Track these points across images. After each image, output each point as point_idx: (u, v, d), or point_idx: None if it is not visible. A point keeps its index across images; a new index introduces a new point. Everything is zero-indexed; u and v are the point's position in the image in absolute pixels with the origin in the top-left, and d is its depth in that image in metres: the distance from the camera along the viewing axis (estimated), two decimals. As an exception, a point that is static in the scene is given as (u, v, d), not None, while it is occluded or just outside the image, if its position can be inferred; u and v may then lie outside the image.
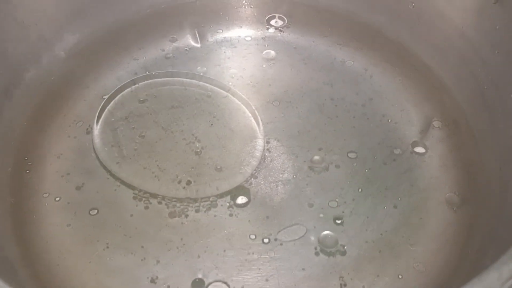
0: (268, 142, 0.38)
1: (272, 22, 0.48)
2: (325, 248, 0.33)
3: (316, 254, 0.32)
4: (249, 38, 0.46)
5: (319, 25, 0.46)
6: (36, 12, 0.40)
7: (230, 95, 0.41)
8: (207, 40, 0.46)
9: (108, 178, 0.36)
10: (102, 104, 0.40)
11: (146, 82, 0.42)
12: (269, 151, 0.38)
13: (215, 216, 0.34)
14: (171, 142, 0.38)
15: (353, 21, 0.47)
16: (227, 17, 0.48)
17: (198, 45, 0.46)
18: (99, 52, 0.44)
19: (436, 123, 0.40)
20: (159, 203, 0.35)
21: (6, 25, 0.38)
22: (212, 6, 0.48)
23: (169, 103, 0.41)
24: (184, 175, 0.36)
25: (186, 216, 0.34)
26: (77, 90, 0.41)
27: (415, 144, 0.38)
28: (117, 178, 0.36)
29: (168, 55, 0.45)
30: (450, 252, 0.33)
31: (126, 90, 0.42)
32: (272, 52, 0.45)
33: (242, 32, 0.47)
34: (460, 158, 0.38)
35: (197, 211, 0.34)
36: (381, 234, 0.33)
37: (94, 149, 0.38)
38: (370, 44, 0.45)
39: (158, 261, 0.32)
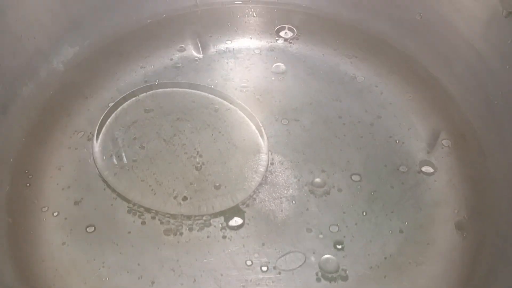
0: (271, 162, 0.37)
1: (282, 33, 0.46)
2: (327, 274, 0.32)
3: (318, 280, 0.31)
4: (258, 51, 0.45)
5: (328, 37, 0.45)
6: (33, 25, 0.39)
7: (237, 109, 0.40)
8: (210, 51, 0.45)
9: (104, 190, 0.36)
10: (105, 112, 0.40)
11: (154, 91, 0.42)
12: (272, 169, 0.37)
13: (208, 237, 0.33)
14: (172, 156, 0.37)
15: (362, 33, 0.45)
16: (231, 26, 0.47)
17: (201, 56, 0.45)
18: (98, 64, 0.43)
19: (445, 142, 0.38)
20: (153, 218, 0.34)
21: (1, 38, 0.37)
22: (215, 15, 0.47)
23: (175, 115, 0.40)
24: (181, 190, 0.35)
25: (181, 234, 0.33)
26: (76, 102, 0.41)
27: (422, 163, 0.37)
28: (113, 190, 0.35)
29: (172, 65, 0.44)
30: (457, 274, 0.32)
31: (132, 99, 0.41)
32: (282, 65, 0.44)
33: (251, 43, 0.46)
34: (469, 175, 0.36)
35: (190, 229, 0.33)
36: (385, 258, 0.32)
37: (93, 158, 0.37)
38: (380, 58, 0.44)
39: (153, 282, 0.31)
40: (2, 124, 0.36)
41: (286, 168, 0.36)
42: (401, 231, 0.33)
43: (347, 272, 0.32)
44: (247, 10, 0.48)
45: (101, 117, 0.39)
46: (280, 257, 0.32)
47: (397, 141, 0.38)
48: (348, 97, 0.41)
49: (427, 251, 0.33)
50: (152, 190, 0.35)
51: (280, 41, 0.46)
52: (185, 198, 0.35)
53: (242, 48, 0.45)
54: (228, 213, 0.34)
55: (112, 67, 0.43)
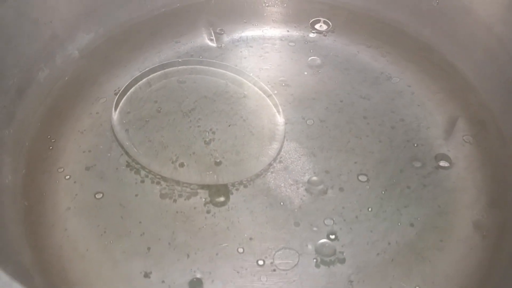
0: (280, 160, 0.36)
1: (317, 26, 0.46)
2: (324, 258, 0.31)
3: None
4: (292, 44, 0.45)
5: (363, 33, 0.45)
6: (50, 11, 0.39)
7: (265, 98, 0.40)
8: (223, 41, 0.45)
9: (114, 142, 0.36)
10: (136, 76, 0.41)
11: (194, 66, 0.42)
12: (281, 157, 0.36)
13: (195, 208, 0.33)
14: (185, 125, 0.38)
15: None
16: (246, 17, 0.47)
17: (214, 45, 0.44)
18: (113, 51, 0.43)
19: (466, 137, 0.38)
20: (146, 176, 0.35)
21: (19, 22, 0.36)
22: (226, 3, 0.47)
23: (204, 92, 0.40)
24: (182, 157, 0.35)
25: (175, 201, 0.33)
26: (91, 89, 0.40)
27: (440, 157, 0.36)
28: (120, 145, 0.36)
29: (184, 54, 0.43)
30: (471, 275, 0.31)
31: (172, 68, 0.42)
32: (318, 60, 0.43)
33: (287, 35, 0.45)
34: (489, 165, 0.36)
35: (180, 195, 0.34)
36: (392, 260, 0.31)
37: (112, 111, 0.38)
38: (410, 55, 0.43)
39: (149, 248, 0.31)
40: (18, 107, 0.36)
41: (292, 162, 0.36)
42: (412, 225, 0.33)
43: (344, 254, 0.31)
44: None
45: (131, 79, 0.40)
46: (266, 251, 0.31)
47: (415, 145, 0.37)
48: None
49: (444, 239, 0.32)
50: (155, 151, 0.36)
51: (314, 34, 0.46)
52: (182, 165, 0.35)
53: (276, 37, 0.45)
54: (215, 190, 0.34)
55: (126, 55, 0.43)
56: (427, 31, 0.44)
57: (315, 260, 0.31)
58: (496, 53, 0.39)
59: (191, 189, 0.34)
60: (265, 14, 0.47)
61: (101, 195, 0.34)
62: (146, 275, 0.30)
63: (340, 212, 0.33)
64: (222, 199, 0.34)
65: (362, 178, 0.35)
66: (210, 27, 0.46)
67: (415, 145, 0.37)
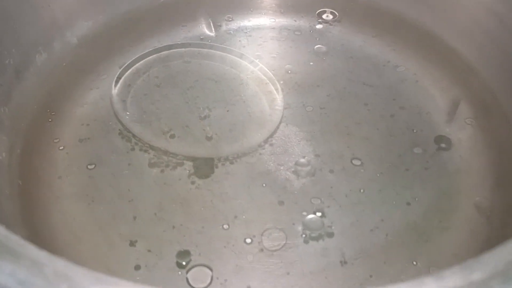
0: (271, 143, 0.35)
1: (324, 16, 0.46)
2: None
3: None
4: (298, 33, 0.45)
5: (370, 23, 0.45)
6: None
7: (269, 84, 0.39)
8: (220, 29, 0.45)
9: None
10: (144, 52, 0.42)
11: (200, 49, 0.43)
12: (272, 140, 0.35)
13: (180, 179, 0.33)
14: (182, 101, 0.38)
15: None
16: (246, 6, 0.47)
17: (213, 34, 0.45)
18: (112, 40, 0.43)
19: (468, 120, 0.37)
20: (136, 144, 0.35)
21: (19, 5, 0.37)
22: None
23: (208, 75, 0.40)
24: (174, 129, 0.36)
25: (162, 171, 0.33)
26: (88, 77, 0.40)
27: (440, 139, 0.35)
28: (116, 114, 0.37)
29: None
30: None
31: (176, 49, 0.42)
32: (323, 48, 0.43)
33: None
34: (494, 145, 0.35)
35: (166, 165, 0.34)
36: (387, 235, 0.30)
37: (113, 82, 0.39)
38: (414, 43, 0.43)
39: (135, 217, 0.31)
40: (15, 89, 0.36)
41: (284, 145, 0.35)
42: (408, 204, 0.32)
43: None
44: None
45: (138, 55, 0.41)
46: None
47: (414, 131, 0.36)
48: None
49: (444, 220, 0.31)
50: (149, 121, 0.36)
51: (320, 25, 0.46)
52: (173, 136, 0.35)
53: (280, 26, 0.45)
54: (200, 162, 0.34)
55: (125, 44, 0.43)
56: (428, 18, 0.43)
57: (303, 235, 0.30)
58: (497, 34, 0.38)
59: (177, 159, 0.34)
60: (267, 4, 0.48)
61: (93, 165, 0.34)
62: (132, 244, 0.29)
63: (328, 193, 0.32)
64: (206, 171, 0.33)
65: (356, 162, 0.34)
66: (217, 16, 0.46)
67: (414, 131, 0.36)
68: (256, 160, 0.34)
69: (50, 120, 0.37)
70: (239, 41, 0.44)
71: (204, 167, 0.34)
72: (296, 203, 0.31)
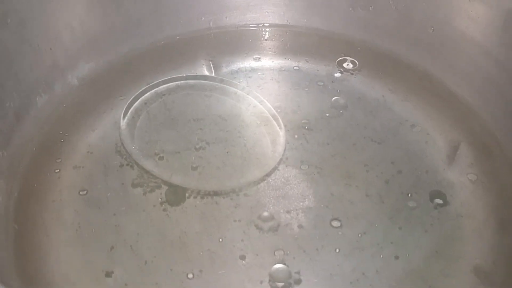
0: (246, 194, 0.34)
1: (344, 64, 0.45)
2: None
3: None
4: (321, 83, 0.43)
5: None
6: (51, 38, 0.40)
7: (277, 128, 0.39)
8: (220, 71, 0.45)
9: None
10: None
11: (213, 83, 0.43)
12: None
13: (154, 206, 0.34)
14: (184, 129, 0.39)
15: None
16: (241, 48, 0.47)
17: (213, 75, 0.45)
18: (113, 81, 0.43)
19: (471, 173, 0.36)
20: (125, 163, 0.36)
21: (20, 48, 0.37)
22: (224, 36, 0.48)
23: (217, 111, 0.41)
24: (165, 153, 0.37)
25: (145, 194, 0.34)
26: (89, 118, 0.40)
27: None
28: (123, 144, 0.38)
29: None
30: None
31: (182, 81, 0.43)
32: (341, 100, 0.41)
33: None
34: (498, 187, 0.35)
35: (147, 186, 0.35)
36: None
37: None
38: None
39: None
40: (15, 132, 0.36)
41: (259, 197, 0.34)
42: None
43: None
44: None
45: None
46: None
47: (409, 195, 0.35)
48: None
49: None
50: (145, 140, 0.38)
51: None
52: (161, 158, 0.37)
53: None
54: (175, 189, 0.35)
55: (125, 85, 0.43)
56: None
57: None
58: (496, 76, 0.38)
59: (155, 182, 0.35)
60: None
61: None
62: (108, 275, 0.30)
63: (297, 245, 0.31)
64: (176, 200, 0.34)
65: (335, 223, 0.33)
66: (209, 60, 0.46)
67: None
68: (223, 204, 0.34)
69: (49, 162, 0.37)
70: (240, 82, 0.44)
71: (175, 195, 0.34)
72: (257, 255, 0.31)
